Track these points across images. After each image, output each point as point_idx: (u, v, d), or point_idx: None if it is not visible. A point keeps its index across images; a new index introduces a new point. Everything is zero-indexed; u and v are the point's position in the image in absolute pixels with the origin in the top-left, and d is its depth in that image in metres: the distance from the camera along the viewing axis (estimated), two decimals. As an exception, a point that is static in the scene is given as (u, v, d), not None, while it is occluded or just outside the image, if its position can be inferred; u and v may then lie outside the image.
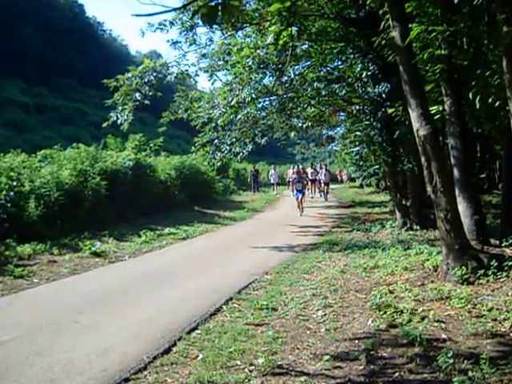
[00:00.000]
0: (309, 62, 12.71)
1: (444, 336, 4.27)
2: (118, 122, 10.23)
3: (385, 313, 4.94)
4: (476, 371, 3.45)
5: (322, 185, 24.45)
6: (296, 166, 25.80)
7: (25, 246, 8.95)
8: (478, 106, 6.65)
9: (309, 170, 25.80)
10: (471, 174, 7.82)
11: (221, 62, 12.71)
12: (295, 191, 15.95)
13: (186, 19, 10.80)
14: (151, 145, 17.83)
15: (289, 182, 14.52)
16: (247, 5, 11.28)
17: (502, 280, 5.62)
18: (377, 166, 13.08)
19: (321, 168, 25.68)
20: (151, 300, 6.03)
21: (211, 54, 12.67)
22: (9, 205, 9.36)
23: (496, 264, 5.79)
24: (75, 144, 14.04)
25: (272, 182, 27.79)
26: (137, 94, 10.16)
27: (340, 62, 13.16)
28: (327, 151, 34.30)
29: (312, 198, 23.77)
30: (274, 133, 15.16)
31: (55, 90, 54.44)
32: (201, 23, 10.71)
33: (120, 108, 10.22)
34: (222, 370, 3.80)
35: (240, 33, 12.15)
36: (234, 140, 13.36)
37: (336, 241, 10.22)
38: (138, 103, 10.26)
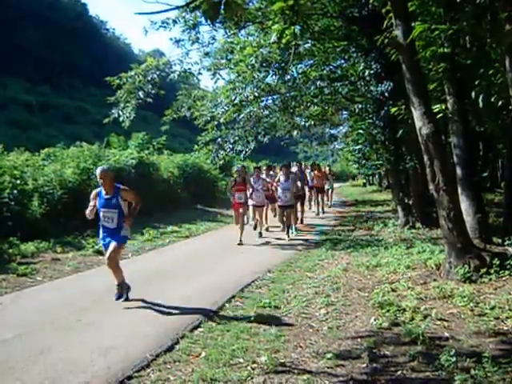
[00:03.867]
0: (312, 61, 12.68)
1: (446, 334, 4.27)
2: (120, 119, 10.25)
3: (387, 311, 4.94)
4: (478, 370, 3.44)
5: (277, 208, 11.86)
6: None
7: (28, 244, 8.99)
8: (480, 104, 6.63)
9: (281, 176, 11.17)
10: (474, 172, 7.82)
11: (224, 61, 12.69)
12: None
13: (188, 17, 10.79)
14: (154, 143, 17.87)
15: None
16: (250, 3, 11.27)
17: (504, 278, 5.62)
18: (379, 162, 13.06)
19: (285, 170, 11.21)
20: (154, 298, 6.04)
21: (214, 53, 12.67)
22: (12, 203, 9.40)
23: (498, 262, 5.79)
24: (78, 142, 14.09)
25: None
26: (140, 92, 10.17)
27: (343, 61, 13.15)
28: (330, 150, 34.03)
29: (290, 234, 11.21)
30: (276, 131, 15.12)
31: (58, 89, 54.77)
32: (204, 21, 10.73)
33: (122, 105, 10.24)
34: (225, 368, 3.81)
35: (243, 31, 12.16)
36: (237, 138, 13.36)
37: (339, 239, 10.23)
38: (140, 101, 10.28)
